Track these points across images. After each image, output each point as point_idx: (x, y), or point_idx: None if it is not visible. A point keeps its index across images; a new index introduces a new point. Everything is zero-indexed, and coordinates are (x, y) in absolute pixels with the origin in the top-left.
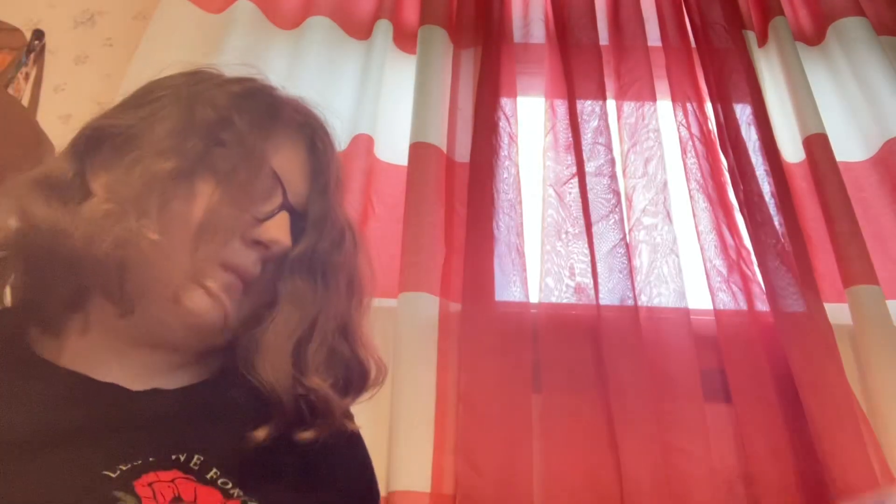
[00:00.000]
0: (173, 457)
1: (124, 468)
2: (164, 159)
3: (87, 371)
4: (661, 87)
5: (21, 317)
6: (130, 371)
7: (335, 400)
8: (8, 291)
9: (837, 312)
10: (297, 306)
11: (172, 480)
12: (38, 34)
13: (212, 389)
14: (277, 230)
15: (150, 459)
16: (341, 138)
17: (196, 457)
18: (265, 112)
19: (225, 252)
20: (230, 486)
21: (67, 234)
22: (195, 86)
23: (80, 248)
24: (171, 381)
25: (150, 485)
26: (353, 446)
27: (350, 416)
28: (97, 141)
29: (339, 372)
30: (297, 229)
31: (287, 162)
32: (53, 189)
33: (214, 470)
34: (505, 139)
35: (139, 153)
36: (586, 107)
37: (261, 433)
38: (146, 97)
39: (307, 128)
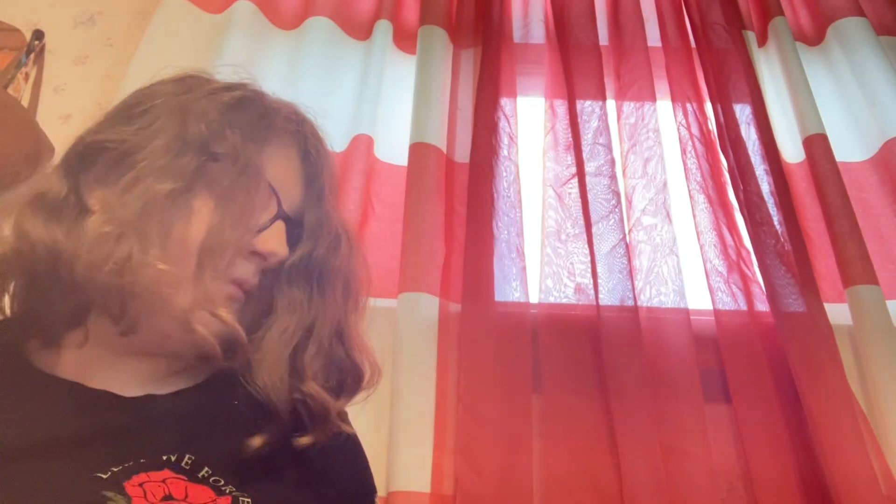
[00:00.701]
0: (164, 457)
1: (115, 469)
2: (162, 180)
3: (82, 380)
4: (661, 87)
5: (20, 329)
6: (125, 378)
7: (331, 404)
8: (7, 301)
9: (837, 312)
10: (294, 315)
11: (163, 480)
12: (38, 34)
13: (205, 392)
14: (274, 241)
15: (142, 461)
16: (341, 138)
17: (187, 456)
18: (257, 123)
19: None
20: (222, 483)
21: (67, 257)
22: (185, 95)
23: (80, 271)
24: (165, 386)
25: (140, 485)
26: (349, 447)
27: (345, 418)
28: (90, 157)
29: (334, 374)
30: (293, 236)
31: (281, 171)
32: (50, 209)
33: (206, 469)
34: (505, 139)
35: (136, 173)
36: (586, 107)
37: (256, 441)
38: (135, 109)
39: (300, 136)
